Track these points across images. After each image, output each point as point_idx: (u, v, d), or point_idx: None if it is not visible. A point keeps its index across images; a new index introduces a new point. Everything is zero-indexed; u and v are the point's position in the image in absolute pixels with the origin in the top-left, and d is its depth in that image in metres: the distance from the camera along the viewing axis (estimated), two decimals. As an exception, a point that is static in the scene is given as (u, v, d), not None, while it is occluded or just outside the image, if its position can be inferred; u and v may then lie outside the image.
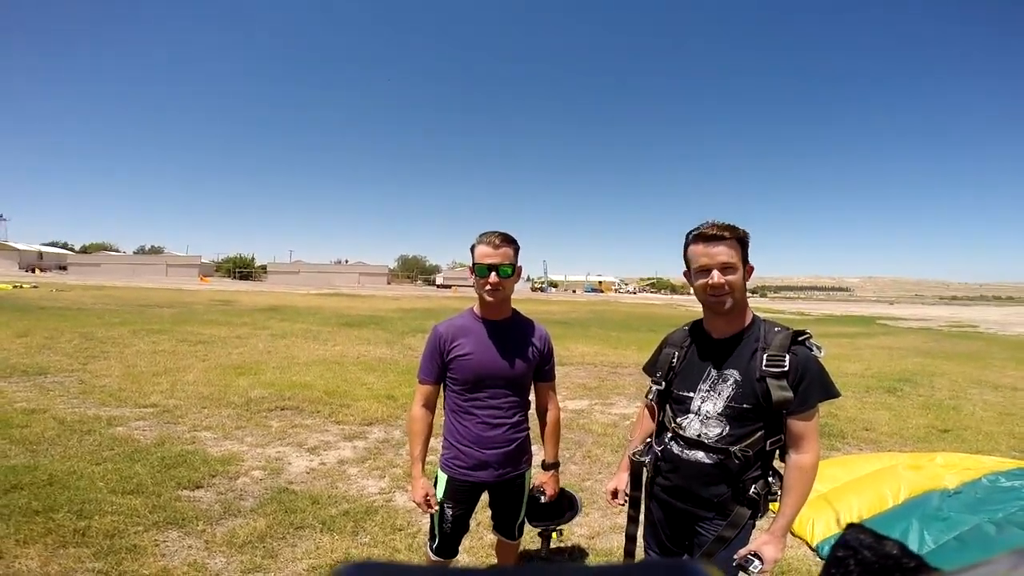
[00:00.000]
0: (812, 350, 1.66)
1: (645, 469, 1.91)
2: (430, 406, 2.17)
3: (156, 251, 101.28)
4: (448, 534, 2.17)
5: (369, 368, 8.24)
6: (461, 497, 2.15)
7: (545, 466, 2.25)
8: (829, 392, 1.66)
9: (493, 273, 1.99)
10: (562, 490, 2.28)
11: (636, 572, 0.36)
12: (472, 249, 2.06)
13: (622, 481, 1.99)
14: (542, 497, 2.20)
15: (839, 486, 3.65)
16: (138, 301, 20.27)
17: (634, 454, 1.95)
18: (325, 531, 3.13)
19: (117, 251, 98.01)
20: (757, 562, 1.62)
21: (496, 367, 2.07)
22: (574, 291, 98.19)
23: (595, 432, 5.39)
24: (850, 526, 0.39)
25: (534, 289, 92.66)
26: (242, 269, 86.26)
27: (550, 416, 2.28)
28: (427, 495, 2.07)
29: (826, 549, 3.02)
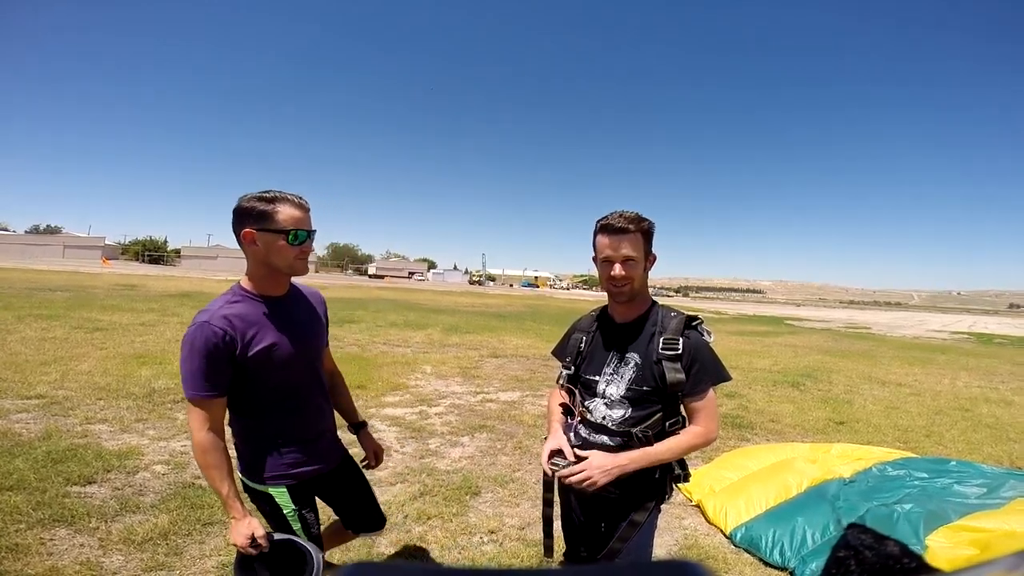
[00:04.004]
0: (703, 335, 1.71)
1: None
2: (218, 428, 1.65)
3: (53, 231, 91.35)
4: (319, 535, 1.92)
5: (292, 359, 7.84)
6: (307, 497, 1.88)
7: (357, 427, 2.11)
8: (720, 376, 1.71)
9: (309, 239, 1.70)
10: (293, 542, 1.74)
11: (636, 572, 0.37)
12: (256, 209, 1.61)
13: (563, 440, 1.78)
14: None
15: (748, 475, 3.86)
16: (27, 284, 18.23)
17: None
18: (236, 528, 2.94)
19: (7, 230, 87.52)
20: (560, 459, 1.67)
21: (305, 350, 1.78)
22: (511, 285, 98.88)
23: (526, 423, 5.42)
24: (851, 526, 0.39)
25: (472, 282, 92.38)
26: (152, 252, 79.89)
27: (337, 377, 2.14)
28: (253, 535, 1.64)
29: (739, 536, 3.15)
